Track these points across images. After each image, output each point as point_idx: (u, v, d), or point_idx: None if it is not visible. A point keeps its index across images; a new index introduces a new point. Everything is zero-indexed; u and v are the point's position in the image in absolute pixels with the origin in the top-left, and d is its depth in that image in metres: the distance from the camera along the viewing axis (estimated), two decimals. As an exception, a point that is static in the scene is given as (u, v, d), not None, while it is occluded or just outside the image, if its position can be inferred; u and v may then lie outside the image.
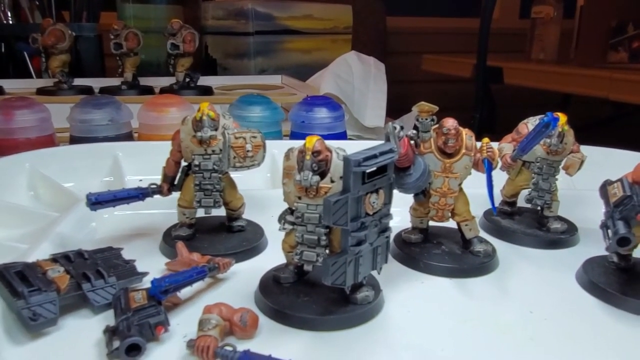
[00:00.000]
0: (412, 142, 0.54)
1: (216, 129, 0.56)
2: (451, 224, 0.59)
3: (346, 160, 0.42)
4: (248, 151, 0.56)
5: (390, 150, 0.45)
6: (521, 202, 0.67)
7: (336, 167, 0.44)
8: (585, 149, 0.64)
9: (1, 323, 0.43)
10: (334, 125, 0.93)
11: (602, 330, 0.47)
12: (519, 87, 1.85)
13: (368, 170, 0.42)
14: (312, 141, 0.44)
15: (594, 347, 0.44)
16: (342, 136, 0.96)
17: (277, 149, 0.75)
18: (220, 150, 0.56)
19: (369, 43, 1.71)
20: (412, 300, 0.50)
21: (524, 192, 0.66)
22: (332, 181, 0.45)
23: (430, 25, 2.49)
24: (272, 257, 0.54)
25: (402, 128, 0.50)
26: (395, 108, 1.24)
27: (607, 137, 0.87)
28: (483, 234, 0.60)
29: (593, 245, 0.59)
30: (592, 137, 0.75)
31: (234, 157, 0.56)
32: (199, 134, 0.55)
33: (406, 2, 2.43)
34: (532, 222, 0.66)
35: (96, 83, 1.25)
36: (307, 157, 0.44)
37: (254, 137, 0.57)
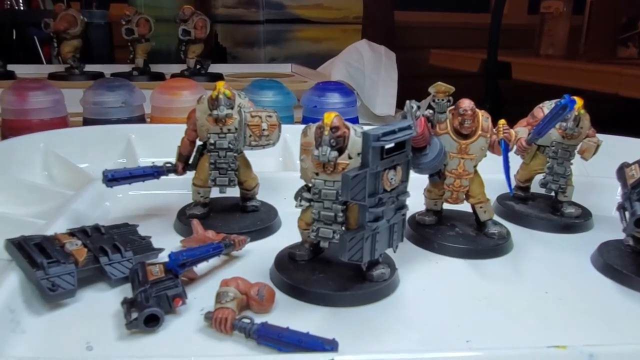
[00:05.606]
0: (428, 122, 0.54)
1: (232, 108, 0.56)
2: (464, 207, 0.59)
3: (365, 135, 0.42)
4: (264, 130, 0.56)
5: (409, 127, 0.45)
6: (534, 189, 0.67)
7: (354, 143, 0.44)
8: (599, 137, 0.64)
9: (20, 293, 0.43)
10: (346, 111, 0.93)
11: (618, 310, 0.47)
12: (527, 82, 1.84)
13: (387, 146, 0.42)
14: (330, 117, 0.44)
15: (610, 327, 0.44)
16: (354, 122, 0.96)
17: (289, 134, 0.76)
18: (236, 129, 0.57)
19: (376, 37, 1.71)
20: (427, 279, 0.50)
21: (537, 178, 0.65)
22: (349, 157, 0.45)
23: (438, 20, 2.48)
24: (286, 237, 0.55)
25: (419, 107, 0.50)
26: (402, 102, 1.23)
27: (617, 133, 0.87)
28: (496, 219, 0.60)
29: (607, 230, 0.59)
30: (601, 133, 0.74)
31: (250, 136, 0.56)
32: (215, 112, 0.55)
33: (414, -4, 2.42)
34: (546, 207, 0.66)
35: (107, 69, 1.25)
36: (326, 133, 0.44)
37: (270, 116, 0.57)
